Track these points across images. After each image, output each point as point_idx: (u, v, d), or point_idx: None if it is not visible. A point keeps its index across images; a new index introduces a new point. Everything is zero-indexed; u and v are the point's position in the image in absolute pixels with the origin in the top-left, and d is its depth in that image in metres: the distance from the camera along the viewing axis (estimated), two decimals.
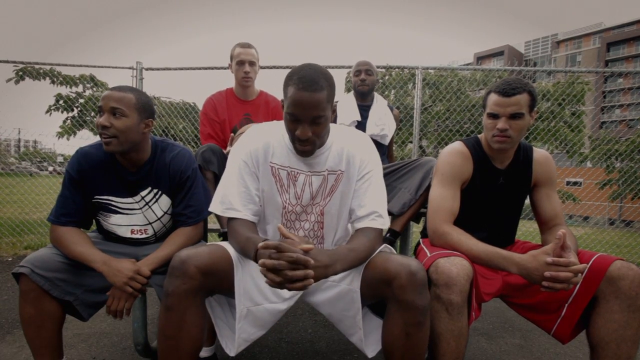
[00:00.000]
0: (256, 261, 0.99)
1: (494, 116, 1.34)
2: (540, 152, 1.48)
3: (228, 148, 1.92)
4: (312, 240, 1.28)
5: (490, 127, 1.36)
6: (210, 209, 1.26)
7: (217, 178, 1.75)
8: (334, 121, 2.27)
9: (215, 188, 1.72)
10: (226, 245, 1.19)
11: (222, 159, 1.79)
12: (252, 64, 2.12)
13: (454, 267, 1.12)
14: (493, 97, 1.33)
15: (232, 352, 1.16)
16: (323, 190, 1.23)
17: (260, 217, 1.28)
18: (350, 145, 1.24)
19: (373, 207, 1.19)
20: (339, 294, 1.17)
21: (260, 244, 0.94)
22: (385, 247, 1.24)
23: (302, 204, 1.24)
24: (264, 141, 1.22)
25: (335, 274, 1.01)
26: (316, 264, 0.92)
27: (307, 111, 1.06)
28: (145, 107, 1.33)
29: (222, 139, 2.14)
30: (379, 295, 1.11)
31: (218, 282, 1.10)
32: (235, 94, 2.20)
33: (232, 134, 2.02)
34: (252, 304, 1.15)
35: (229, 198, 1.20)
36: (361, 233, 1.18)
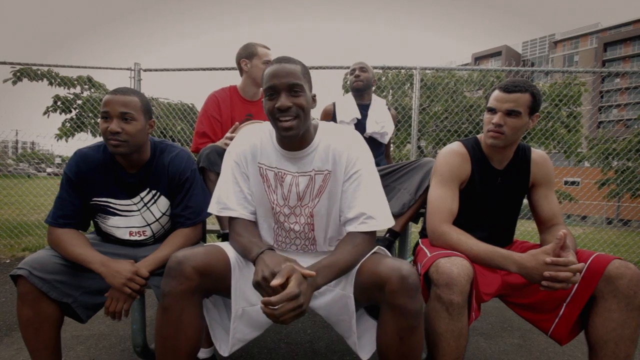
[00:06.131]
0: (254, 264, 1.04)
1: (492, 111, 1.36)
2: (537, 153, 1.48)
3: (223, 140, 1.90)
4: (304, 242, 1.28)
5: (487, 121, 1.38)
6: (209, 210, 1.28)
7: None
8: (333, 120, 2.28)
9: None
10: (223, 245, 1.19)
11: None
12: None
13: (455, 267, 1.12)
14: (495, 93, 1.36)
15: (225, 353, 1.16)
16: (311, 191, 1.21)
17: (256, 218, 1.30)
18: (336, 142, 1.18)
19: (362, 208, 1.14)
20: (333, 299, 1.16)
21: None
22: (378, 248, 1.21)
23: (289, 205, 1.22)
24: (252, 142, 1.23)
25: (318, 288, 1.03)
26: (301, 300, 0.92)
27: (283, 79, 1.08)
28: (148, 108, 1.35)
29: (219, 138, 2.04)
30: (372, 300, 1.10)
31: (215, 283, 1.09)
32: (240, 93, 2.14)
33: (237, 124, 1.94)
34: (248, 304, 1.15)
35: (224, 198, 1.23)
36: (347, 240, 1.15)
